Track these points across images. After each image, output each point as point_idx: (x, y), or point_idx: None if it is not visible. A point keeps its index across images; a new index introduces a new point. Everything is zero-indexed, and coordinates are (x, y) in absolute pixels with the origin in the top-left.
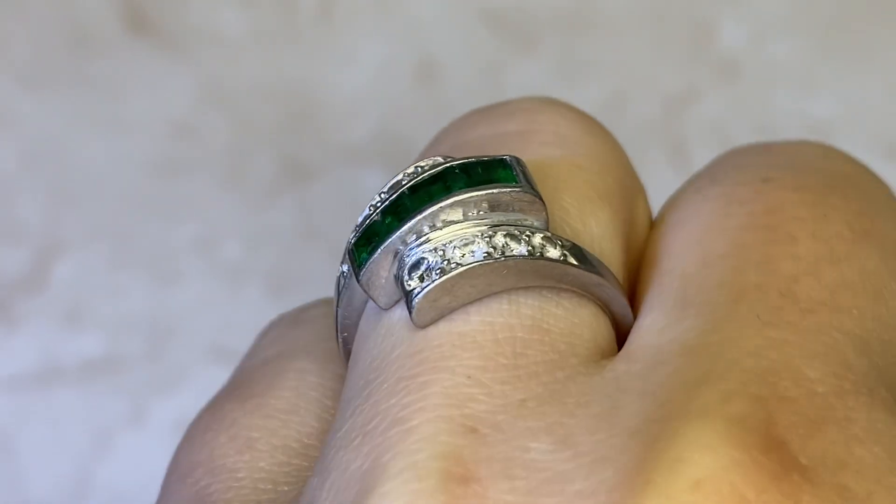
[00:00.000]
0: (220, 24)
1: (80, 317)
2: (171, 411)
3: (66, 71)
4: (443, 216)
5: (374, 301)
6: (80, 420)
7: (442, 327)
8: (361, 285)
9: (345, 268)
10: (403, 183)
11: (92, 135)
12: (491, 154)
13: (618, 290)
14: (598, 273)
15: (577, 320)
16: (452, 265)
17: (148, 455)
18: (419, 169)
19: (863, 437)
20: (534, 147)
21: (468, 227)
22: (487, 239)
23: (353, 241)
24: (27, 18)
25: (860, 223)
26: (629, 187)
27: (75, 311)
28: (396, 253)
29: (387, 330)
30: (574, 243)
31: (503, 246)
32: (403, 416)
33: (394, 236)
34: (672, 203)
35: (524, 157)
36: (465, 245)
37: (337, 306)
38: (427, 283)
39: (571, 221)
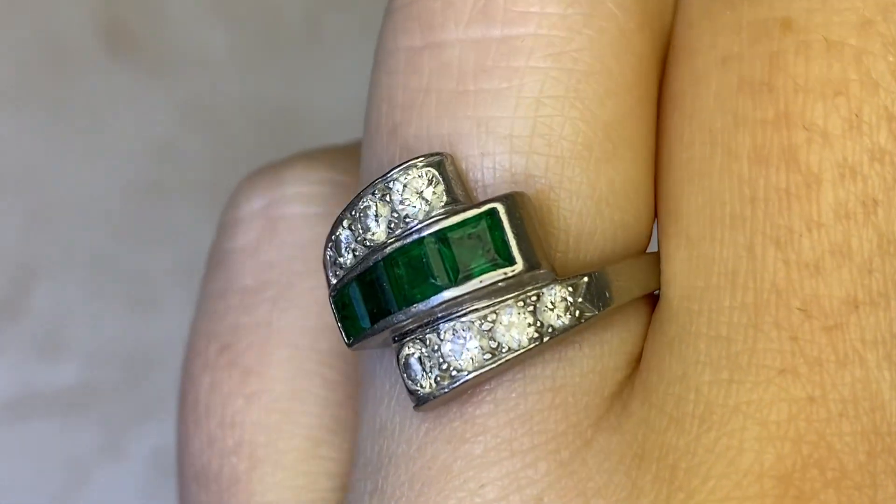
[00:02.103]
0: (202, 44)
1: (57, 345)
2: (148, 442)
3: (44, 92)
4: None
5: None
6: (56, 451)
7: (452, 416)
8: (349, 345)
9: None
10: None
11: (70, 157)
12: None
13: (641, 282)
14: (612, 302)
15: (594, 364)
16: (450, 374)
17: (124, 487)
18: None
19: None
20: None
21: (470, 331)
22: (489, 340)
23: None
24: (6, 39)
25: None
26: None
27: (51, 340)
28: (396, 332)
29: (394, 405)
30: (590, 277)
31: (506, 344)
32: None
33: (385, 322)
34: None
35: None
36: (467, 345)
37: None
38: (434, 391)
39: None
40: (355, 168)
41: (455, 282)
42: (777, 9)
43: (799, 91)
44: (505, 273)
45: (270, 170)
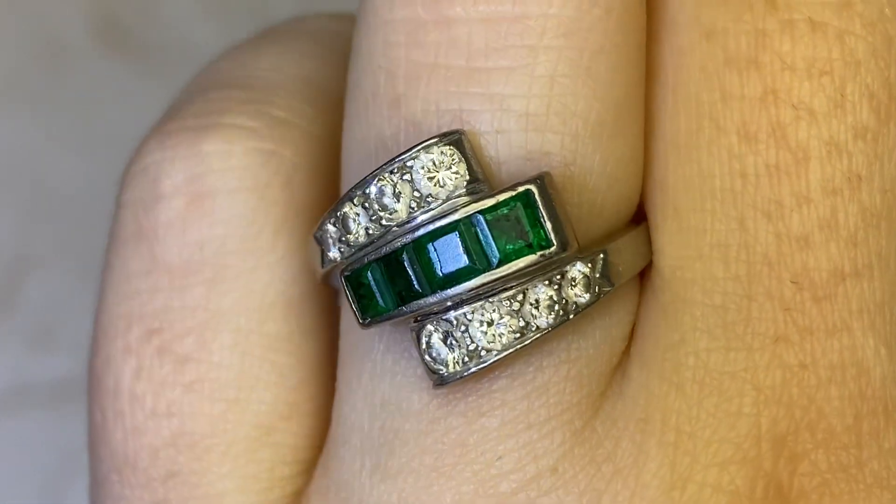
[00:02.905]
0: (194, 38)
1: (50, 337)
2: None
3: (37, 87)
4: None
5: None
6: (50, 442)
7: (467, 391)
8: (363, 325)
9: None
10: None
11: (64, 151)
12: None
13: (639, 256)
14: (623, 276)
15: (605, 335)
16: (479, 355)
17: None
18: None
19: None
20: None
21: (500, 311)
22: (519, 320)
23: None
24: (0, 35)
25: None
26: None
27: (44, 332)
28: (421, 315)
29: (399, 380)
30: (605, 253)
31: (534, 325)
32: None
33: (418, 304)
34: None
35: None
36: (497, 326)
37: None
38: (459, 371)
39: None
40: (291, 111)
41: (493, 265)
42: None
43: (786, 69)
44: (542, 255)
45: (187, 139)
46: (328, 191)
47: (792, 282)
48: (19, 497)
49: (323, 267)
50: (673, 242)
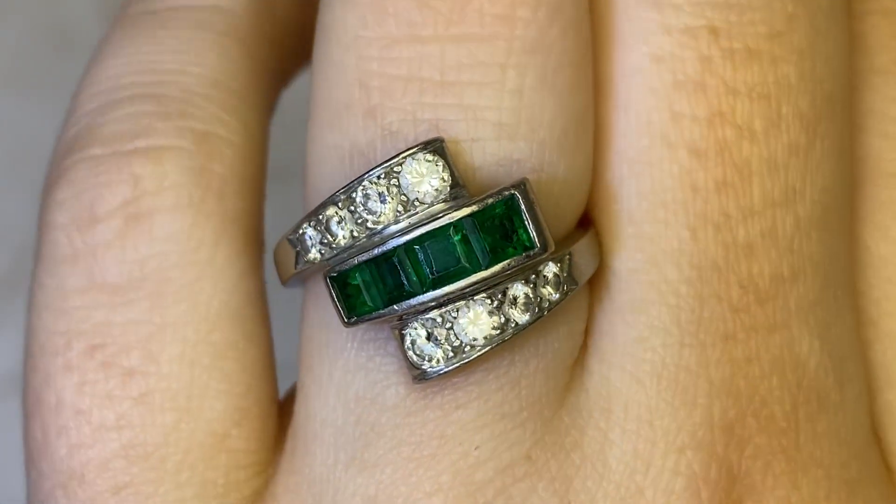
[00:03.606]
0: None
1: None
2: None
3: (48, 73)
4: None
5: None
6: None
7: (442, 385)
8: (347, 324)
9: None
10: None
11: None
12: None
13: (594, 254)
14: (585, 276)
15: (568, 330)
16: (463, 350)
17: None
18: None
19: None
20: None
21: (483, 309)
22: (500, 316)
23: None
24: (12, 24)
25: None
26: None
27: None
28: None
29: (374, 376)
30: (569, 254)
31: (514, 321)
32: (416, 498)
33: (408, 304)
34: None
35: None
36: (480, 324)
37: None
38: (442, 366)
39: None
40: (211, 122)
41: (483, 266)
42: (701, 17)
43: (729, 93)
44: (527, 255)
45: (118, 164)
46: (256, 198)
47: (739, 286)
48: (21, 480)
49: (297, 268)
50: (629, 248)
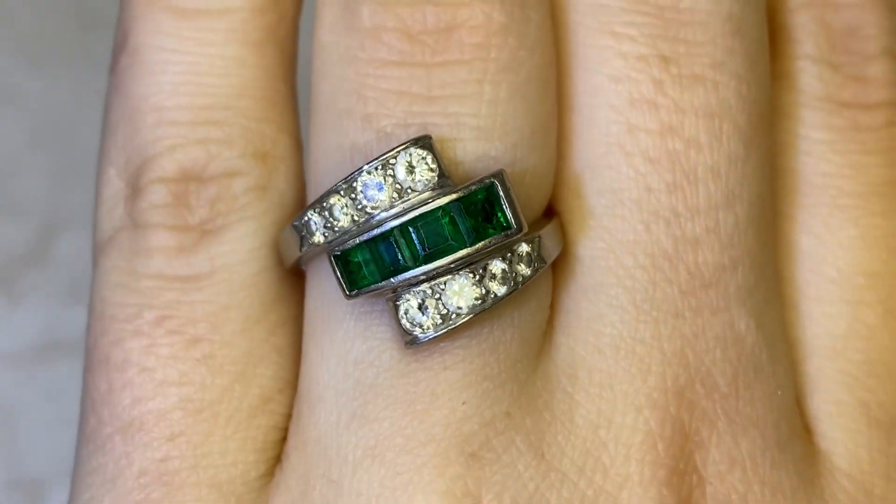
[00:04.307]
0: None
1: (82, 292)
2: None
3: (72, 49)
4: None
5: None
6: (79, 392)
7: (431, 349)
8: (349, 297)
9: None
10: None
11: (96, 113)
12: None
13: (559, 238)
14: (551, 256)
15: (538, 304)
16: (450, 318)
17: None
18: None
19: None
20: None
21: (466, 282)
22: (481, 288)
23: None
24: (36, 1)
25: None
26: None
27: (77, 286)
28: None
29: (371, 342)
30: (539, 236)
31: (493, 293)
32: (411, 447)
33: (403, 277)
34: None
35: None
36: (463, 294)
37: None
38: (432, 332)
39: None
40: (275, 146)
41: (468, 243)
42: (654, 48)
43: (678, 111)
44: (506, 235)
45: (196, 191)
46: (303, 200)
47: (687, 273)
48: (50, 446)
49: (302, 250)
50: (591, 238)
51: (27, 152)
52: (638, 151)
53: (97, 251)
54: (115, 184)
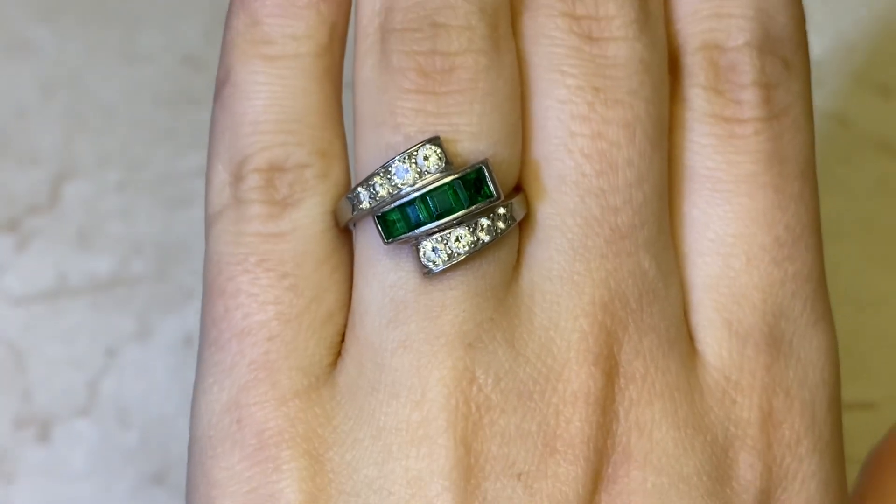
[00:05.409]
0: None
1: (91, 238)
2: (176, 329)
3: (82, 4)
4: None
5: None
6: (89, 336)
7: (444, 281)
8: (386, 243)
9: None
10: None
11: (106, 65)
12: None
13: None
14: (519, 216)
15: (508, 253)
16: (454, 255)
17: (152, 369)
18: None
19: None
20: None
21: (464, 232)
22: (474, 237)
23: (384, 212)
24: None
25: None
26: None
27: (86, 233)
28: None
29: (400, 272)
30: (512, 202)
31: (482, 239)
32: (429, 340)
33: (422, 229)
34: None
35: None
36: (462, 240)
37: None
38: (441, 265)
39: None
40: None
41: (465, 206)
42: (588, 82)
43: (605, 122)
44: (490, 201)
45: (280, 213)
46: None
47: (609, 229)
48: (60, 386)
49: (353, 214)
50: (545, 205)
51: (38, 102)
52: (577, 149)
53: (209, 221)
54: (221, 174)
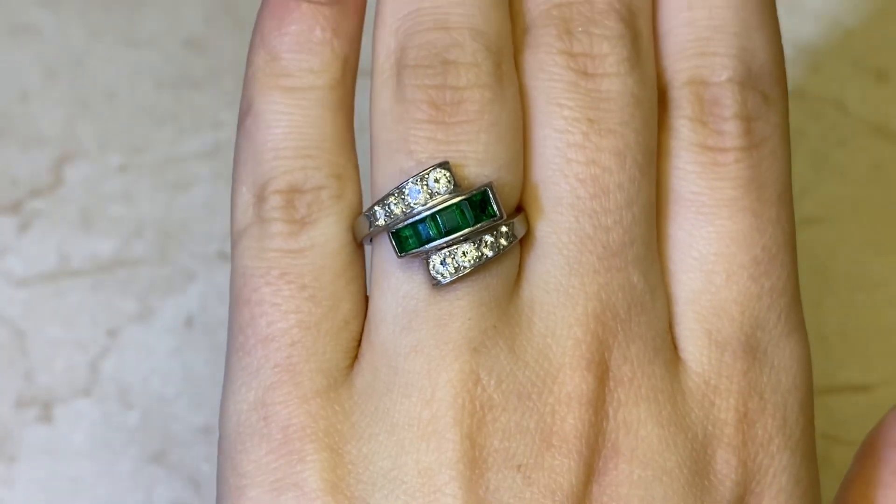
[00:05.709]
0: None
1: (93, 220)
2: (177, 311)
3: None
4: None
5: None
6: (90, 317)
7: (452, 293)
8: (399, 257)
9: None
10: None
11: (108, 49)
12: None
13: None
14: (519, 235)
15: (509, 267)
16: (460, 269)
17: (153, 350)
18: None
19: None
20: None
21: (470, 248)
22: (479, 252)
23: (398, 229)
24: None
25: None
26: None
27: (88, 215)
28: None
29: (412, 283)
30: (514, 221)
31: (486, 254)
32: (438, 345)
33: (432, 244)
34: None
35: None
36: (468, 255)
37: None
38: (449, 277)
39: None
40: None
41: (471, 224)
42: (583, 113)
43: (598, 150)
44: (493, 220)
45: (300, 228)
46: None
47: (601, 247)
48: (60, 365)
49: (370, 230)
50: (543, 225)
51: (41, 85)
52: (572, 174)
53: (234, 238)
54: (245, 196)
